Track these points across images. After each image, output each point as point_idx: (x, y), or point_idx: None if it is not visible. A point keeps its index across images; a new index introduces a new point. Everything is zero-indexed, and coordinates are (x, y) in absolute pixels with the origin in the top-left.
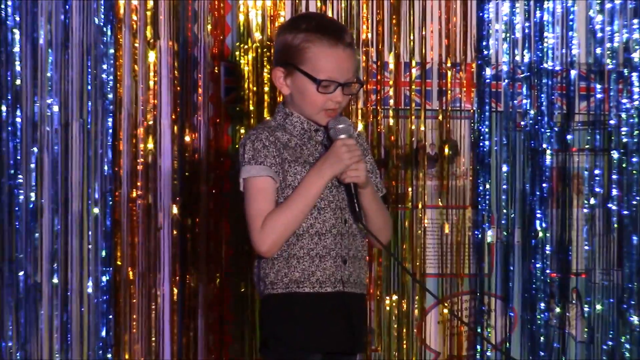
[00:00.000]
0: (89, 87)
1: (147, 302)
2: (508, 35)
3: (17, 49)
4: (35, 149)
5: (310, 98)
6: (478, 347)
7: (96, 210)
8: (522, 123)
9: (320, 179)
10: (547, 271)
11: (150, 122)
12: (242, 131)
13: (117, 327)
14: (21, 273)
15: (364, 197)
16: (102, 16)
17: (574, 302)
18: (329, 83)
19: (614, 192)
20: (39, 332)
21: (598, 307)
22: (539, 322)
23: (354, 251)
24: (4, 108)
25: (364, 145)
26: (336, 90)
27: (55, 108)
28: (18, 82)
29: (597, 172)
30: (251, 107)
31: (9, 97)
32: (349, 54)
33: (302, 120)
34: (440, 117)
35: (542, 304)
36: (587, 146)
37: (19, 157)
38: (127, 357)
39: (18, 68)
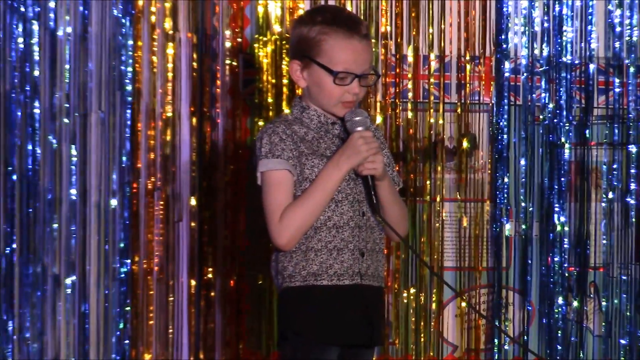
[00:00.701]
0: (108, 79)
1: (165, 294)
2: (527, 29)
3: (35, 40)
4: (54, 140)
5: (327, 90)
6: (496, 340)
7: (114, 202)
8: (541, 117)
9: (337, 171)
10: (565, 265)
11: (169, 114)
12: (261, 123)
13: (135, 318)
14: (39, 264)
15: (381, 190)
16: (121, 7)
17: (591, 296)
18: (346, 75)
19: (633, 186)
20: (57, 323)
21: (616, 301)
22: (557, 315)
23: (371, 244)
24: (22, 99)
25: (381, 138)
26: (353, 82)
27: (74, 99)
28: (36, 73)
29: (615, 166)
30: (269, 100)
31: (28, 89)
32: (365, 45)
33: (318, 113)
34: (458, 111)
35: (560, 298)
36: (605, 140)
37: (37, 149)
38: (144, 348)
39: (37, 58)
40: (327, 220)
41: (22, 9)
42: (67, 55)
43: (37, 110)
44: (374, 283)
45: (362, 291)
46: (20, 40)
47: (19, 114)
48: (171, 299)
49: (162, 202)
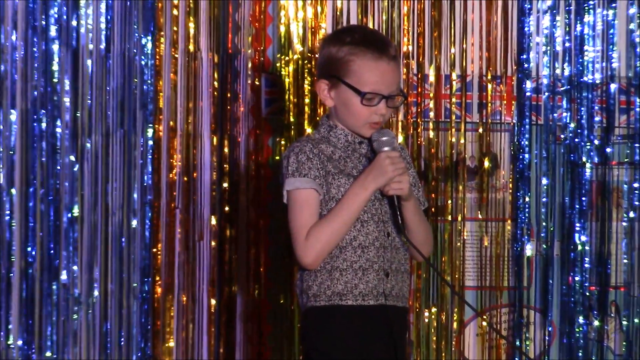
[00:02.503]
0: (129, 98)
1: (186, 313)
2: (548, 48)
3: (57, 59)
4: (75, 159)
5: (355, 111)
6: (517, 359)
7: (135, 221)
8: (562, 136)
9: (364, 191)
10: (586, 284)
11: (190, 133)
12: (283, 143)
13: (156, 338)
14: (60, 283)
15: (407, 210)
16: (143, 26)
17: (612, 315)
18: (373, 96)
19: None
20: (78, 342)
21: (636, 320)
22: (578, 335)
23: (396, 264)
24: (44, 118)
25: (407, 158)
26: (380, 103)
27: (96, 118)
28: (58, 92)
29: (636, 185)
30: (292, 119)
31: (50, 107)
32: (393, 66)
33: (346, 132)
34: (480, 130)
35: (581, 317)
36: (626, 160)
37: (58, 168)
38: None
39: (59, 77)
40: (352, 240)
41: (44, 28)
42: (88, 74)
43: (59, 130)
44: (399, 303)
45: (386, 311)
46: (42, 59)
47: (42, 132)
48: (192, 318)
49: (183, 221)
